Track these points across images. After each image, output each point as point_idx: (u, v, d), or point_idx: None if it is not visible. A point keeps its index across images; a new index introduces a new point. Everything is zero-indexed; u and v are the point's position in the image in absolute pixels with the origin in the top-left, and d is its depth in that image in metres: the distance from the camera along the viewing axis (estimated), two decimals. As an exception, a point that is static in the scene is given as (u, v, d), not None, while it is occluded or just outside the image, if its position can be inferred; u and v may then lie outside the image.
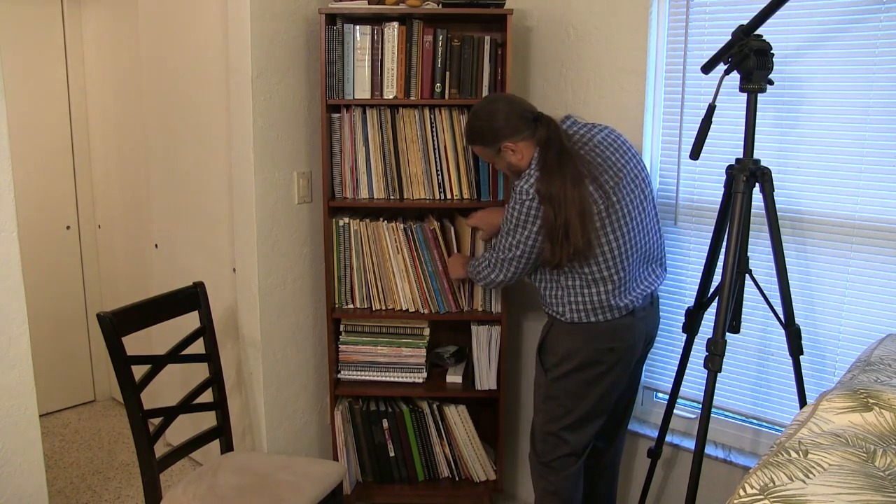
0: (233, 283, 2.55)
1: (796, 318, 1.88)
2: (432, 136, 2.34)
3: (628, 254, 1.93)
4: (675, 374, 2.11)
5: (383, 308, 2.45)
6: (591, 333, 1.97)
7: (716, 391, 1.84)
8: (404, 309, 2.44)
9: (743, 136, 1.79)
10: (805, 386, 1.89)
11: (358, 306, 2.46)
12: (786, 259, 1.85)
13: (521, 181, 1.92)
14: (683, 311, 2.07)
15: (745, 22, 1.71)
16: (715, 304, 1.88)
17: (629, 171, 1.93)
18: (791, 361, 1.89)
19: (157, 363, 2.04)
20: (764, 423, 2.16)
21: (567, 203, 1.85)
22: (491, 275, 2.08)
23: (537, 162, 1.92)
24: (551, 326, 2.06)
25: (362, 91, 2.32)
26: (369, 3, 2.25)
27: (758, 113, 1.80)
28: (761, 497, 0.92)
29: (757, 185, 1.80)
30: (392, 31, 2.27)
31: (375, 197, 2.40)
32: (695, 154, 1.77)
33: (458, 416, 2.52)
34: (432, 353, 2.60)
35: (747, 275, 1.90)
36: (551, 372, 2.04)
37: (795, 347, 1.87)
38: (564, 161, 1.88)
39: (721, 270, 1.81)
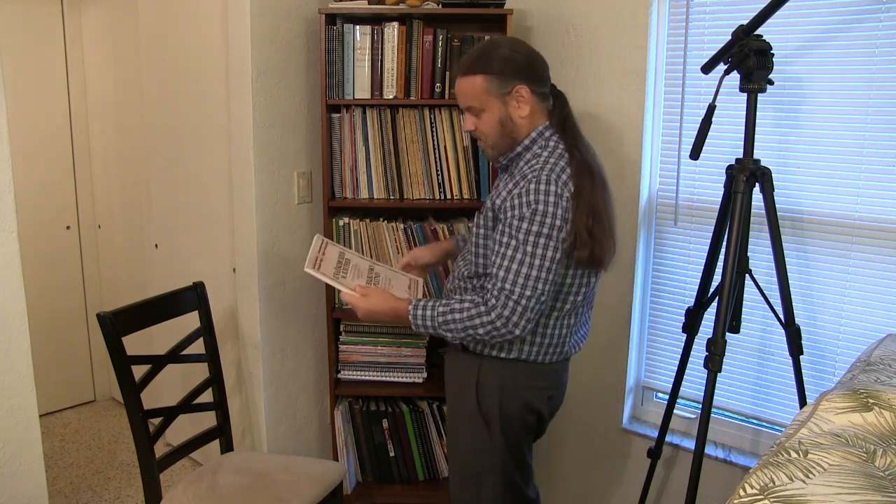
0: (233, 283, 2.55)
1: (796, 318, 1.88)
2: (432, 136, 2.34)
3: (594, 287, 1.71)
4: (675, 374, 2.11)
5: (383, 308, 2.44)
6: (534, 375, 1.66)
7: (716, 391, 1.84)
8: (404, 309, 2.43)
9: (743, 136, 1.79)
10: (805, 386, 1.89)
11: (358, 306, 2.46)
12: (786, 259, 1.84)
13: (544, 169, 1.52)
14: (683, 311, 2.07)
15: (745, 22, 1.71)
16: (715, 304, 1.87)
17: None
18: (791, 361, 1.89)
19: (157, 363, 2.04)
20: (764, 423, 2.16)
21: (596, 199, 1.54)
22: (508, 325, 1.51)
23: (556, 142, 1.60)
24: (480, 367, 1.66)
25: (362, 91, 2.32)
26: (369, 3, 2.25)
27: (758, 113, 1.80)
28: (761, 497, 0.92)
29: (757, 185, 1.80)
30: (392, 31, 2.27)
31: (375, 197, 2.40)
32: (695, 154, 1.77)
33: (458, 416, 2.52)
34: (432, 353, 2.60)
35: (747, 275, 1.90)
36: (495, 425, 1.64)
37: (795, 347, 1.87)
38: (586, 150, 1.62)
39: (721, 270, 1.81)
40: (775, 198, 1.82)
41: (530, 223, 1.48)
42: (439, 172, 2.36)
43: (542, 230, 1.48)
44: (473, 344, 1.67)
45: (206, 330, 2.20)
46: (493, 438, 1.67)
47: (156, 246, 2.92)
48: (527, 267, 1.49)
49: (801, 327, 1.89)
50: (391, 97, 2.32)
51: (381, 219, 2.40)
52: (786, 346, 1.88)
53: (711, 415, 1.89)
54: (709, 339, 1.80)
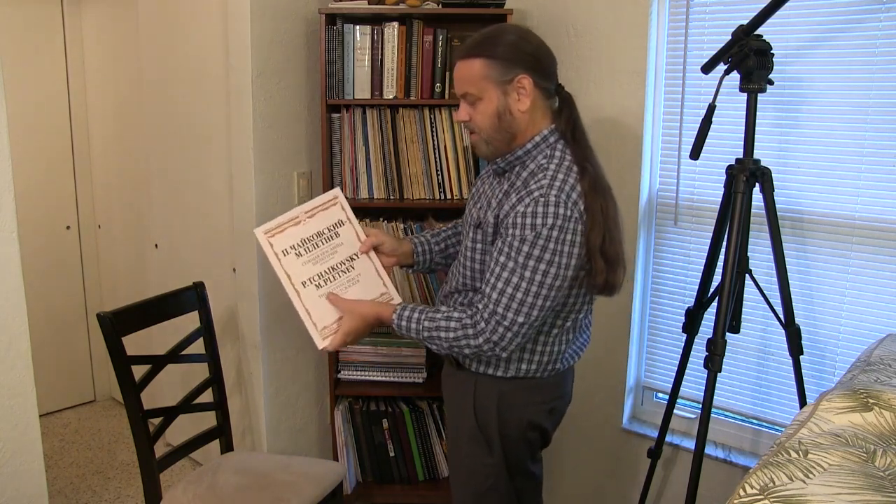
0: (233, 283, 2.55)
1: (796, 318, 1.88)
2: (432, 136, 2.34)
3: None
4: (675, 374, 2.11)
5: (383, 308, 2.44)
6: (532, 391, 1.58)
7: (716, 391, 1.84)
8: (404, 309, 2.43)
9: (743, 136, 1.79)
10: (805, 386, 1.89)
11: (358, 306, 2.45)
12: (786, 259, 1.84)
13: (552, 186, 1.40)
14: (683, 311, 2.07)
15: (745, 22, 1.71)
16: (715, 304, 1.87)
17: None
18: (791, 361, 1.89)
19: (157, 363, 2.04)
20: (764, 423, 2.16)
21: (610, 220, 1.46)
22: (495, 349, 1.44)
23: (563, 151, 1.48)
24: (476, 385, 1.58)
25: (362, 91, 2.32)
26: (369, 3, 2.25)
27: (758, 113, 1.80)
28: (761, 497, 0.92)
29: (757, 185, 1.80)
30: (392, 31, 2.27)
31: (375, 197, 2.40)
32: (695, 154, 1.77)
33: (458, 416, 2.52)
34: (432, 352, 2.60)
35: (747, 275, 1.90)
36: (496, 446, 1.56)
37: (795, 347, 1.87)
38: (595, 161, 1.51)
39: (721, 270, 1.81)
40: (775, 198, 1.82)
41: (531, 246, 1.38)
42: (439, 172, 2.36)
43: (542, 255, 1.39)
44: (468, 361, 1.60)
45: (206, 330, 2.20)
46: (494, 458, 1.59)
47: (156, 246, 2.92)
48: (521, 293, 1.40)
49: (801, 327, 1.89)
50: (391, 97, 2.32)
51: (381, 219, 2.40)
52: (786, 346, 1.88)
53: (711, 415, 1.90)
54: (709, 339, 1.80)
